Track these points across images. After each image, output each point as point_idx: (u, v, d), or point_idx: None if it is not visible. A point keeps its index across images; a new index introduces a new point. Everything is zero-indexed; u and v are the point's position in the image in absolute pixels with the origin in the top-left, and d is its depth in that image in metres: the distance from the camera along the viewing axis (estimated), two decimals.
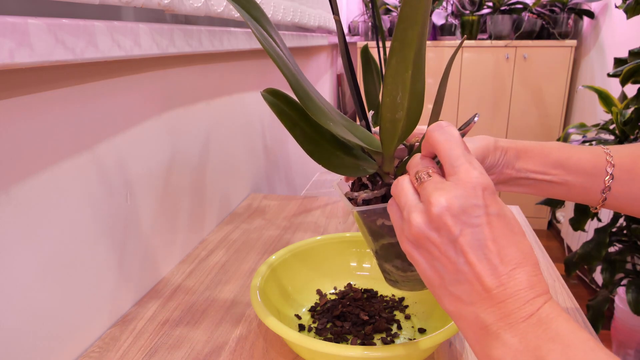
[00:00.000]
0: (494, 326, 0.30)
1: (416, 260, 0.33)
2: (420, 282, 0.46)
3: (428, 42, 2.35)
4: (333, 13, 0.39)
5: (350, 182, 0.47)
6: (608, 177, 0.47)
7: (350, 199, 0.45)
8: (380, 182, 0.44)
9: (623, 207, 0.48)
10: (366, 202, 0.43)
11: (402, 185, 0.35)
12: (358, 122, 0.46)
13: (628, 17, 1.32)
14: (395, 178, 0.43)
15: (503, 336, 0.29)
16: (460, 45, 0.36)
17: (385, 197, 0.43)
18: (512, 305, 0.29)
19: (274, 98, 0.44)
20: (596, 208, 0.50)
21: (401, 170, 0.43)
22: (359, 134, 0.43)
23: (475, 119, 0.38)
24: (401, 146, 0.45)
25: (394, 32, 0.31)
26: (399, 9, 0.32)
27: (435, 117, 0.40)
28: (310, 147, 0.43)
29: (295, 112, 0.43)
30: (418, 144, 0.45)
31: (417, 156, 0.36)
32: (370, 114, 0.47)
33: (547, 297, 0.30)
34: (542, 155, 0.49)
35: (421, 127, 0.50)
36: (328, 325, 0.55)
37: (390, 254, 0.45)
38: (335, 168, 0.43)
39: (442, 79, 0.37)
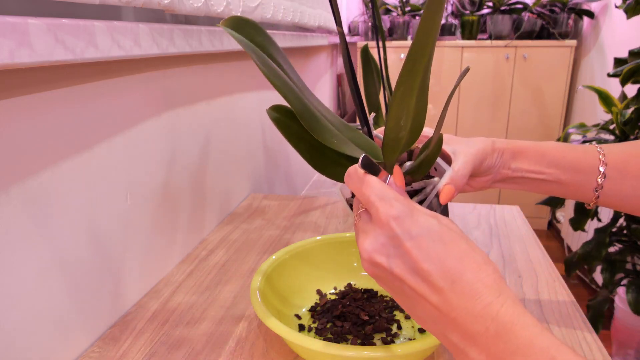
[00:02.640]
0: (460, 344, 0.30)
1: (386, 291, 0.36)
2: None
3: None
4: (336, 24, 0.40)
5: None
6: (600, 175, 0.48)
7: (352, 205, 0.45)
8: None
9: (615, 204, 0.50)
10: None
11: (354, 223, 0.38)
12: (357, 122, 0.47)
13: (628, 17, 1.32)
14: None
15: (471, 354, 0.29)
16: (462, 76, 0.37)
17: None
18: (466, 319, 0.29)
19: (279, 114, 0.44)
20: (589, 205, 0.51)
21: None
22: (362, 143, 0.44)
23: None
24: None
25: (403, 65, 0.33)
26: (410, 46, 0.33)
27: (438, 129, 0.41)
28: (315, 160, 0.45)
29: (300, 127, 0.44)
30: (419, 149, 0.46)
31: (361, 189, 0.38)
32: (371, 117, 0.47)
33: (501, 299, 0.29)
34: (537, 155, 0.50)
35: (426, 130, 0.50)
36: (328, 325, 0.55)
37: None
38: (338, 177, 0.45)
39: (445, 104, 0.38)
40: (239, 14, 0.81)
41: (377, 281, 0.35)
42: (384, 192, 0.34)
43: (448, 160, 0.48)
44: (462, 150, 0.47)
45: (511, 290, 0.30)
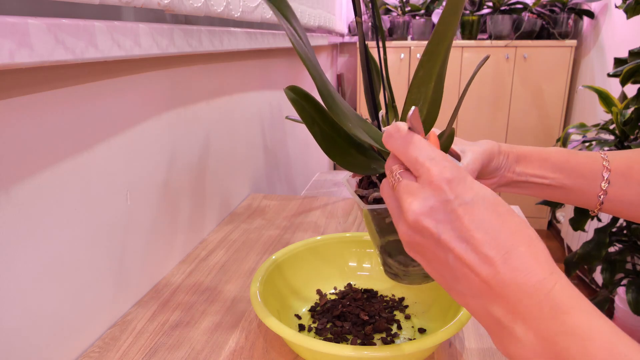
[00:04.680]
0: (505, 319, 0.28)
1: (420, 262, 0.33)
2: (419, 277, 0.46)
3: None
4: (355, 15, 0.40)
5: (357, 179, 0.48)
6: (604, 181, 0.48)
7: (361, 197, 0.45)
8: None
9: (619, 211, 0.49)
10: (377, 200, 0.44)
11: (384, 191, 0.35)
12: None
13: (628, 17, 1.32)
14: None
15: (517, 331, 0.28)
16: (482, 63, 0.36)
17: None
18: (516, 295, 0.28)
19: (296, 95, 0.44)
20: (594, 212, 0.50)
21: None
22: (373, 134, 0.44)
23: (411, 111, 0.37)
24: None
25: (426, 47, 0.33)
26: (434, 27, 0.34)
27: (453, 118, 0.41)
28: (327, 144, 0.45)
29: (314, 110, 0.44)
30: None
31: (391, 156, 0.36)
32: (381, 113, 0.48)
33: (554, 277, 0.28)
34: (541, 159, 0.50)
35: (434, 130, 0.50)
36: (328, 325, 0.55)
37: (395, 249, 0.46)
38: (348, 165, 0.44)
39: (462, 93, 0.38)
40: (238, 14, 0.81)
41: (412, 250, 0.33)
42: (434, 152, 0.32)
43: (457, 159, 0.48)
44: (470, 149, 0.48)
45: (561, 272, 0.29)
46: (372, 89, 0.45)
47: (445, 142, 0.42)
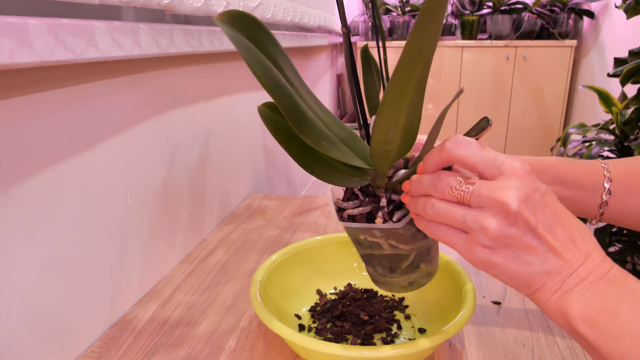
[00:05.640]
0: (579, 287, 0.32)
1: (495, 263, 0.34)
2: (397, 287, 0.47)
3: None
4: (342, 25, 0.39)
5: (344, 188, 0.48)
6: (605, 192, 0.47)
7: (339, 210, 0.45)
8: (366, 199, 0.44)
9: (619, 220, 0.49)
10: (351, 217, 0.43)
11: (444, 209, 0.35)
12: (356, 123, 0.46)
13: (628, 17, 1.32)
14: (386, 191, 0.43)
15: (587, 294, 0.31)
16: (456, 97, 0.35)
17: (371, 213, 0.43)
18: (590, 265, 0.32)
19: (271, 112, 0.43)
20: (593, 222, 0.50)
21: (394, 184, 0.43)
22: (356, 148, 0.43)
23: (490, 122, 0.37)
24: None
25: (388, 86, 0.31)
26: (395, 69, 0.31)
27: (429, 145, 0.40)
28: (306, 159, 0.43)
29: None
30: (415, 156, 0.45)
31: (426, 177, 0.36)
32: (372, 120, 0.47)
33: (608, 258, 0.33)
34: (540, 171, 0.49)
35: (421, 137, 0.49)
36: (328, 325, 0.55)
37: (372, 260, 0.46)
38: (328, 179, 0.43)
39: (434, 125, 0.37)
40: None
41: (501, 246, 0.33)
42: (502, 154, 0.34)
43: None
44: None
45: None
46: (359, 98, 0.43)
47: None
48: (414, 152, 0.47)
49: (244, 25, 0.39)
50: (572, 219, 0.34)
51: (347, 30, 0.39)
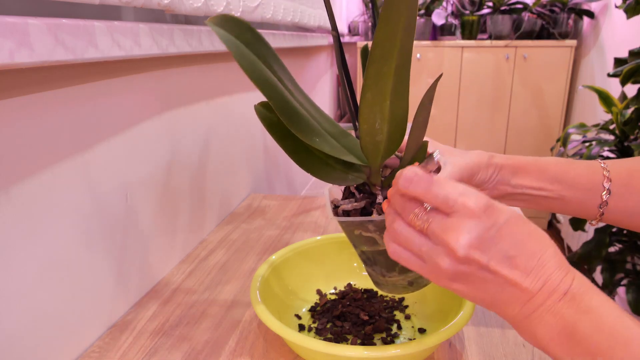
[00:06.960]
0: (538, 312, 0.32)
1: (457, 290, 0.34)
2: (398, 287, 0.47)
3: (428, 42, 2.35)
4: (332, 29, 0.40)
5: (342, 187, 0.48)
6: (605, 192, 0.47)
7: (335, 207, 0.45)
8: (361, 195, 0.44)
9: (620, 221, 0.48)
10: (346, 212, 0.44)
11: (405, 235, 0.35)
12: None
13: (628, 17, 1.32)
14: (382, 188, 0.44)
15: (545, 318, 0.32)
16: (436, 82, 0.35)
17: (365, 209, 0.44)
18: (548, 289, 0.32)
19: (267, 111, 0.44)
20: (593, 223, 0.50)
21: (389, 181, 0.43)
22: (349, 144, 0.43)
23: (436, 157, 0.37)
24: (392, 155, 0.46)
25: (366, 70, 0.31)
26: (370, 51, 0.32)
27: (415, 143, 0.40)
28: (302, 156, 0.44)
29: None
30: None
31: (398, 198, 0.36)
32: None
33: (573, 272, 0.32)
34: (539, 171, 0.49)
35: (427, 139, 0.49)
36: (328, 325, 0.55)
37: (369, 259, 0.46)
38: (324, 177, 0.44)
39: (419, 105, 0.36)
40: (238, 14, 0.81)
41: (456, 281, 0.34)
42: (460, 186, 0.33)
43: (438, 170, 0.47)
44: (452, 161, 0.46)
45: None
46: (352, 97, 0.44)
47: (419, 155, 0.41)
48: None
49: (233, 27, 0.40)
50: (535, 241, 0.33)
51: (337, 34, 0.40)
